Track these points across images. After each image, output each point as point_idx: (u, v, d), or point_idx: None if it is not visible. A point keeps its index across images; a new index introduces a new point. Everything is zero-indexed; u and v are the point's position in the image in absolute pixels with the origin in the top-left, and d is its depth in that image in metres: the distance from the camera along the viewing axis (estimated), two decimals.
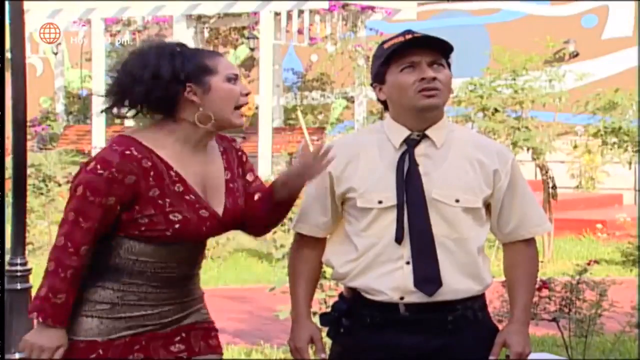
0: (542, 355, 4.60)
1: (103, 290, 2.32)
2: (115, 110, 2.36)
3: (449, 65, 2.40)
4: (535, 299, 4.58)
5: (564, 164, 12.49)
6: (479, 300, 2.42)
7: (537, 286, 4.57)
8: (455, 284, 2.34)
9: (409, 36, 2.35)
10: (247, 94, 2.35)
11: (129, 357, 2.32)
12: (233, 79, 2.33)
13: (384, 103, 2.43)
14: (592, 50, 15.16)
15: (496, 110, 9.26)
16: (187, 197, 2.30)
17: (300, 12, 14.47)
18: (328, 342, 2.51)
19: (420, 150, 2.37)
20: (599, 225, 10.93)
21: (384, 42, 2.40)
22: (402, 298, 2.33)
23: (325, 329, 2.49)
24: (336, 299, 2.48)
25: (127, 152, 2.25)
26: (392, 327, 2.34)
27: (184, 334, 2.39)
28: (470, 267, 2.37)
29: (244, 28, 15.93)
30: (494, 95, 9.33)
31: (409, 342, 2.33)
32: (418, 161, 2.35)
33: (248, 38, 15.59)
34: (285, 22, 14.50)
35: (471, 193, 2.35)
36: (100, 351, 2.31)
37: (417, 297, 2.33)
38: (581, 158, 13.08)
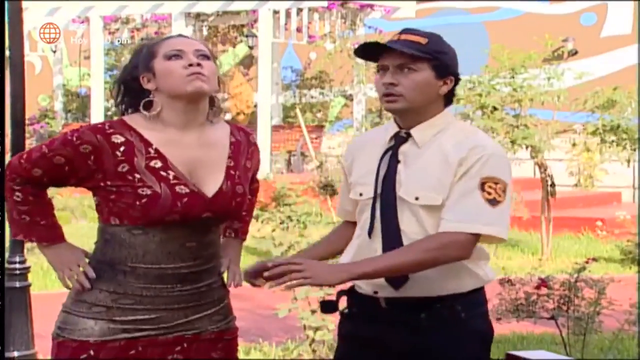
0: (541, 353, 4.61)
1: (99, 292, 2.32)
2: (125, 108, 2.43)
3: (437, 66, 2.39)
4: (534, 296, 4.58)
5: (563, 162, 12.47)
6: (462, 299, 2.38)
7: (535, 285, 4.61)
8: (427, 280, 2.34)
9: (405, 36, 2.40)
10: (192, 65, 2.31)
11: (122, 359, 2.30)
12: (174, 55, 2.33)
13: None
14: (591, 48, 15.17)
15: (495, 108, 9.26)
16: (164, 173, 2.29)
17: (299, 10, 14.46)
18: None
19: (404, 148, 2.41)
20: (598, 223, 10.94)
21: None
22: (376, 292, 2.38)
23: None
24: (333, 296, 2.50)
25: (99, 126, 2.32)
26: (375, 320, 2.40)
27: (185, 344, 2.34)
28: (447, 266, 2.34)
29: (242, 26, 15.93)
30: (492, 94, 9.33)
31: (389, 336, 2.38)
32: (400, 158, 2.40)
33: (247, 36, 15.60)
34: (284, 20, 14.50)
35: (433, 191, 2.34)
36: (92, 352, 2.29)
37: (389, 292, 2.36)
38: (580, 156, 13.07)
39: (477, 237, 2.33)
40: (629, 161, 9.52)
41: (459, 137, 2.39)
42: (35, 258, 6.34)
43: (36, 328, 4.51)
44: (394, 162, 2.40)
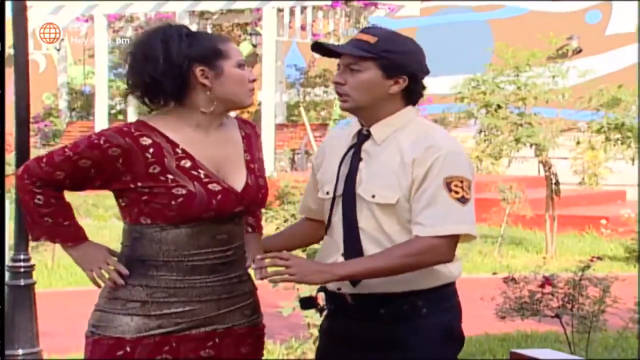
0: (545, 351, 4.60)
1: (133, 288, 2.34)
2: (139, 99, 2.41)
3: (388, 66, 2.36)
4: (538, 295, 4.58)
5: (567, 160, 12.48)
6: (425, 294, 2.38)
7: (540, 283, 4.60)
8: (385, 278, 2.35)
9: (358, 35, 2.43)
10: (253, 81, 2.40)
11: (156, 358, 2.31)
12: (243, 64, 2.39)
13: None
14: (596, 47, 15.14)
15: (499, 106, 9.25)
16: (195, 172, 2.32)
17: (303, 8, 14.46)
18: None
19: (366, 145, 2.43)
20: (603, 222, 10.93)
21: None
22: (339, 289, 2.41)
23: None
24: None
25: (125, 129, 2.33)
26: (343, 315, 2.44)
27: (217, 339, 2.36)
28: None
29: (246, 24, 15.93)
30: (496, 92, 9.32)
31: (357, 330, 2.41)
32: (362, 156, 2.42)
33: (251, 34, 15.60)
34: (288, 18, 14.50)
35: (388, 189, 2.36)
36: (128, 349, 2.31)
37: (349, 289, 2.39)
38: (584, 154, 13.07)
39: (455, 237, 2.34)
40: (633, 159, 9.50)
41: (416, 135, 2.40)
42: (39, 256, 6.36)
43: (41, 326, 4.52)
44: (356, 160, 2.42)
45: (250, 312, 2.44)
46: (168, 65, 2.30)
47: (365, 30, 2.44)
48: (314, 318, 4.73)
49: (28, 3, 4.63)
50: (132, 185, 2.31)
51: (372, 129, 2.42)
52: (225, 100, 2.35)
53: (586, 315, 4.56)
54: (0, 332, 3.51)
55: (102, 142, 2.30)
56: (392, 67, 2.38)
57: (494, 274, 5.04)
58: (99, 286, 2.38)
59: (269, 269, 2.29)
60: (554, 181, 9.55)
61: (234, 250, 2.41)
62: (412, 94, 2.43)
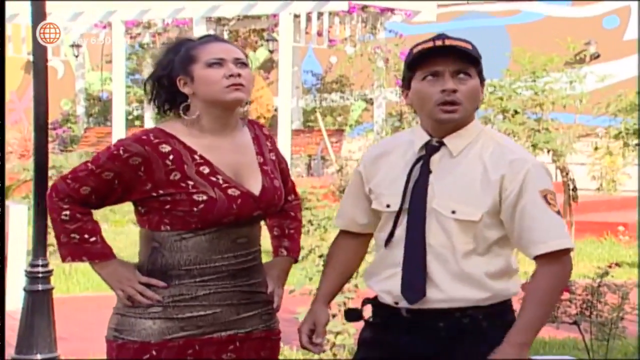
0: (563, 358, 4.57)
1: (154, 293, 2.35)
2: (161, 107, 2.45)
3: (480, 73, 2.31)
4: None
5: (585, 166, 12.42)
6: (484, 309, 2.31)
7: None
8: (450, 292, 2.29)
9: (438, 42, 2.28)
10: (233, 75, 2.34)
11: None
12: (215, 63, 2.35)
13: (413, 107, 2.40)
14: (614, 52, 15.07)
15: (516, 112, 9.21)
16: (214, 178, 2.34)
17: (320, 14, 14.47)
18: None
19: (436, 157, 2.32)
20: (621, 228, 10.85)
21: (414, 46, 2.32)
22: (396, 303, 2.34)
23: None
24: (354, 300, 2.50)
25: (144, 137, 2.34)
26: (395, 328, 2.36)
27: (238, 343, 2.38)
28: (470, 277, 2.29)
29: (263, 30, 15.97)
30: (514, 97, 9.29)
31: (409, 344, 2.34)
32: (432, 169, 2.32)
33: (267, 40, 15.62)
34: (304, 24, 14.52)
35: (470, 206, 2.26)
36: (154, 352, 2.32)
37: (408, 303, 2.32)
38: (602, 160, 13.00)
39: (569, 250, 2.28)
40: None
41: (492, 147, 2.31)
42: (57, 261, 6.38)
43: (58, 331, 4.54)
44: (425, 172, 2.31)
45: (269, 318, 2.45)
46: (158, 77, 2.40)
47: (448, 37, 2.29)
48: (330, 324, 4.72)
49: (47, 10, 4.66)
50: (153, 194, 2.32)
51: (447, 140, 2.31)
52: (207, 101, 2.35)
53: (605, 322, 4.52)
54: (1, 333, 3.57)
55: (121, 152, 2.31)
56: (482, 74, 2.33)
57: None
58: (133, 304, 2.36)
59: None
60: (571, 187, 9.49)
61: (254, 255, 2.42)
62: (479, 103, 2.34)
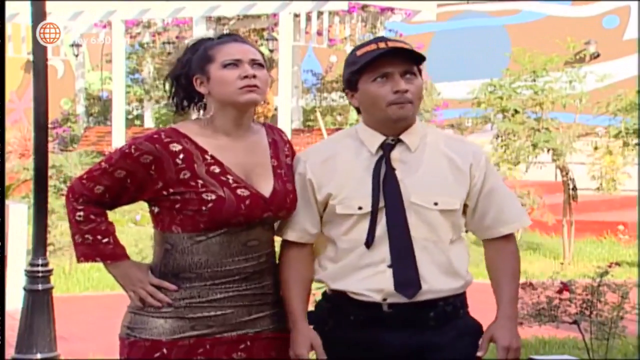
0: (563, 357, 4.58)
1: (166, 294, 2.36)
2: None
3: (420, 72, 2.42)
4: (556, 301, 4.55)
5: (585, 165, 12.39)
6: (460, 297, 2.45)
7: (557, 289, 4.57)
8: (436, 284, 2.38)
9: (382, 45, 2.36)
10: (248, 77, 2.35)
11: (192, 359, 2.34)
12: (231, 64, 2.36)
13: (357, 108, 2.46)
14: (613, 51, 15.07)
15: (516, 111, 9.22)
16: (224, 178, 2.35)
17: (320, 13, 14.46)
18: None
19: (395, 155, 2.39)
20: (621, 227, 10.86)
21: (356, 49, 2.42)
22: (385, 299, 2.37)
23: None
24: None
25: (155, 136, 2.36)
26: (375, 325, 2.39)
27: (248, 343, 2.39)
28: (450, 267, 2.41)
29: (263, 29, 15.95)
30: (513, 97, 9.30)
31: (391, 338, 2.37)
32: (394, 166, 2.38)
33: (267, 39, 15.60)
34: (304, 23, 14.52)
35: (449, 195, 2.39)
36: (165, 350, 2.34)
37: (400, 298, 2.37)
38: (602, 159, 12.99)
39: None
40: None
41: (444, 140, 2.46)
42: (57, 260, 6.38)
43: (58, 330, 4.54)
44: (390, 170, 2.38)
45: (279, 318, 2.46)
46: (176, 76, 2.42)
47: (390, 39, 2.40)
48: None
49: (47, 9, 4.66)
50: (164, 193, 2.34)
51: (404, 137, 2.41)
52: (222, 102, 2.38)
53: (605, 321, 4.52)
54: (1, 333, 3.58)
55: (133, 150, 2.33)
56: (420, 73, 2.41)
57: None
58: (144, 306, 2.38)
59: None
60: (571, 186, 9.50)
61: (266, 257, 2.42)
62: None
